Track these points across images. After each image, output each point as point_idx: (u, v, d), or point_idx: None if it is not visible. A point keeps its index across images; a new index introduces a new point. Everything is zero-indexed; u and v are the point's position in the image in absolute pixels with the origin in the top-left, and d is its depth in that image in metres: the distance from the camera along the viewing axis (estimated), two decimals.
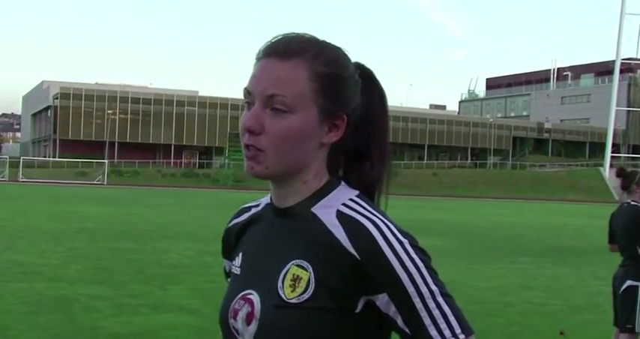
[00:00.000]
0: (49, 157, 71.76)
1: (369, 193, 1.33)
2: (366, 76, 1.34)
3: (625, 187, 5.47)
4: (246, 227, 1.42)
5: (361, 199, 1.29)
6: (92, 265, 10.89)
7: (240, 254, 1.39)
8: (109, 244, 13.99)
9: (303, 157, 1.27)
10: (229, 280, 1.44)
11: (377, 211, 1.26)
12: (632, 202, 5.39)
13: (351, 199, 1.28)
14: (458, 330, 1.19)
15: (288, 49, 1.25)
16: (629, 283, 5.30)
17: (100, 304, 7.86)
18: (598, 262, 13.09)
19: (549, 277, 11.72)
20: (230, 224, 1.48)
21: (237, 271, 1.37)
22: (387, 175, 1.36)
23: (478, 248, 16.15)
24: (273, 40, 1.28)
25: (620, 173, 5.54)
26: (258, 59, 1.27)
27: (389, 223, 1.23)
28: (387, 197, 1.36)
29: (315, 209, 1.28)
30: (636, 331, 5.29)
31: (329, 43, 1.30)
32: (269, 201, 1.38)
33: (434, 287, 1.20)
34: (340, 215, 1.25)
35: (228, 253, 1.47)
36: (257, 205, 1.44)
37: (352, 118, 1.30)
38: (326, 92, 1.25)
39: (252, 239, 1.38)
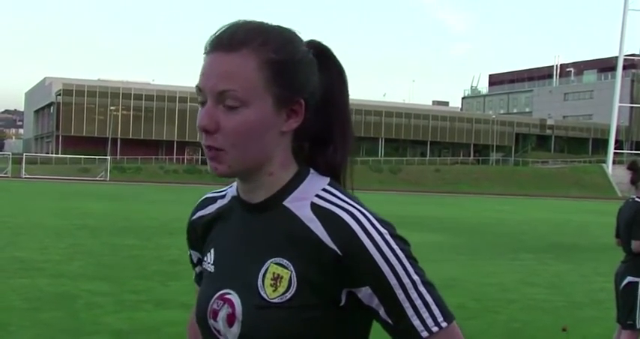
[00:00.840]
0: (51, 153, 71.85)
1: (336, 178, 1.28)
2: (321, 54, 1.27)
3: (633, 182, 5.41)
4: (214, 222, 1.36)
5: (334, 187, 1.25)
6: (94, 261, 10.90)
7: (212, 251, 1.34)
8: (111, 240, 14.01)
9: (265, 149, 1.22)
10: (196, 269, 1.43)
11: (352, 200, 1.22)
12: (637, 198, 5.35)
13: (323, 189, 1.24)
14: (440, 318, 1.19)
15: (233, 41, 1.18)
16: (629, 279, 5.28)
17: (102, 300, 7.87)
18: (601, 258, 13.07)
19: (551, 274, 11.70)
20: (194, 217, 1.41)
21: (210, 268, 1.33)
22: (350, 159, 1.31)
23: (480, 244, 16.13)
24: (217, 33, 1.21)
25: (632, 167, 5.43)
26: (206, 54, 1.21)
27: (367, 214, 1.20)
28: (352, 181, 1.31)
29: (287, 203, 1.24)
30: (637, 327, 5.27)
31: (276, 27, 1.23)
32: (235, 193, 1.33)
33: (415, 277, 1.18)
34: (316, 208, 1.21)
35: (195, 245, 1.42)
36: (223, 196, 1.38)
37: (311, 102, 1.24)
38: (279, 80, 1.19)
39: (224, 235, 1.32)
